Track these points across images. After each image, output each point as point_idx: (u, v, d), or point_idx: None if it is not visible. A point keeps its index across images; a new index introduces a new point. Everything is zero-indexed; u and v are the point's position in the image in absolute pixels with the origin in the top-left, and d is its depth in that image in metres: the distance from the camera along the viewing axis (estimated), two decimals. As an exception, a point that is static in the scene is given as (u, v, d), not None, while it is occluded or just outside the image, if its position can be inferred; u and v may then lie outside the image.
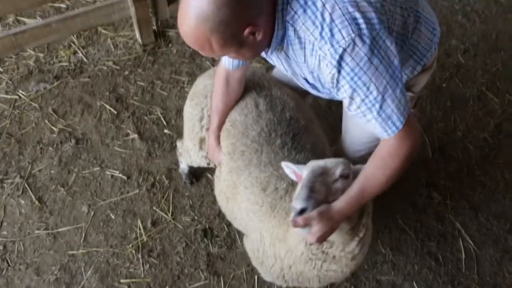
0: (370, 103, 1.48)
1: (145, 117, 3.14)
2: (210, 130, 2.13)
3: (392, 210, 2.90)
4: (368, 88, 1.44)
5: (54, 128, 3.07)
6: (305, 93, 2.02)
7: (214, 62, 3.42)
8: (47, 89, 3.23)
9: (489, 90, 3.54)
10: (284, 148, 1.95)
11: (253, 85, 2.13)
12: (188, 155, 2.41)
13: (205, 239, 2.72)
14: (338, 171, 1.62)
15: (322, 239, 1.60)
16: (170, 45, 3.51)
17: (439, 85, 3.48)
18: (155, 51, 3.47)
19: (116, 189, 2.87)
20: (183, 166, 2.79)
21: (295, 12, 1.43)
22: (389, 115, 1.49)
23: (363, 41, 1.38)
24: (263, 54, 1.69)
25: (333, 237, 1.67)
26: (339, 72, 1.43)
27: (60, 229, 2.73)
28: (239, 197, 2.01)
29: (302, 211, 1.52)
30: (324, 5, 1.39)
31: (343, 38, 1.38)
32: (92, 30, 3.51)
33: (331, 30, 1.39)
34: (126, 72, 3.34)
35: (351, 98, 1.49)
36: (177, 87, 3.30)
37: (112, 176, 2.91)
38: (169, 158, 2.99)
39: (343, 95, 1.50)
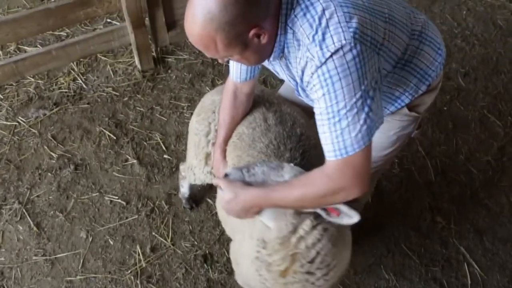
0: (331, 113, 1.46)
1: (145, 143, 3.23)
2: (216, 143, 2.15)
3: (395, 235, 2.95)
4: (336, 97, 1.44)
5: (53, 154, 3.15)
6: (312, 112, 2.07)
7: (214, 87, 3.53)
8: (46, 116, 3.33)
9: (491, 113, 3.63)
10: (292, 163, 1.87)
11: (262, 101, 2.16)
12: (192, 172, 2.42)
13: (205, 265, 2.76)
14: (287, 176, 1.65)
15: (227, 207, 1.71)
16: (169, 71, 3.63)
17: (440, 108, 3.57)
18: (155, 77, 3.59)
19: (115, 214, 2.93)
20: (184, 191, 2.86)
21: (295, 16, 1.49)
22: (343, 135, 1.46)
23: (351, 50, 1.42)
24: (265, 62, 1.74)
25: (268, 237, 1.70)
26: (316, 71, 1.46)
27: (58, 255, 2.78)
28: None
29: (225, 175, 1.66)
30: (324, 10, 1.45)
31: (333, 43, 1.42)
32: (92, 57, 3.64)
33: (323, 34, 1.44)
34: (126, 98, 3.45)
35: (318, 100, 1.50)
36: (176, 113, 3.40)
37: (111, 201, 2.97)
38: (168, 183, 3.06)
39: (313, 96, 1.52)
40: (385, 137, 2.01)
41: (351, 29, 1.43)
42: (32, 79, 3.51)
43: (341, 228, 1.72)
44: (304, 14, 1.48)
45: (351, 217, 1.53)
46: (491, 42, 4.13)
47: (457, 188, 3.20)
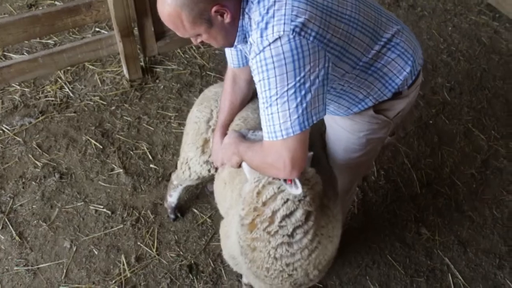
0: (264, 99, 1.57)
1: (131, 152, 3.26)
2: (216, 127, 2.23)
3: (380, 246, 3.01)
4: (269, 84, 1.54)
5: (37, 163, 3.16)
6: None
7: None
8: (32, 124, 3.35)
9: (475, 127, 3.74)
10: None
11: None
12: (188, 167, 2.45)
13: (190, 275, 2.78)
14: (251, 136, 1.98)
15: (222, 151, 2.02)
16: (157, 81, 3.68)
17: (426, 122, 3.67)
18: (142, 86, 3.63)
19: (99, 224, 2.94)
20: (172, 200, 2.89)
21: (252, 2, 1.60)
22: (273, 120, 1.57)
23: (289, 42, 1.49)
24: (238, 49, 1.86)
25: (243, 191, 1.82)
26: (255, 57, 1.56)
27: (40, 265, 2.77)
28: (237, 180, 2.09)
29: None
30: (275, 2, 1.55)
31: (272, 33, 1.51)
32: (80, 65, 3.68)
33: (266, 24, 1.53)
34: (113, 107, 3.48)
35: (256, 85, 1.61)
36: (163, 123, 3.44)
37: (96, 211, 2.99)
38: (154, 193, 3.08)
39: (255, 80, 1.62)
40: (354, 137, 2.06)
41: (293, 23, 1.50)
42: (18, 87, 3.53)
43: (329, 211, 1.85)
44: (258, 2, 1.58)
45: (297, 188, 1.64)
46: (476, 58, 4.26)
47: (442, 200, 3.28)
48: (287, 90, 1.53)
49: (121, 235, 2.91)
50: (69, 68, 3.65)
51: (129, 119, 3.44)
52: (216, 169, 2.34)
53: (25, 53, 3.72)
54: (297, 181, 1.64)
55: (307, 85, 1.54)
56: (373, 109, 1.96)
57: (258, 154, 1.71)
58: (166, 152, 3.28)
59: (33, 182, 3.08)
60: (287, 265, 1.79)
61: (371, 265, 2.93)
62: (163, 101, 3.57)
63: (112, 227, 2.93)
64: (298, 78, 1.52)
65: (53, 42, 3.84)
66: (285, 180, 1.68)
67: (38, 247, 2.84)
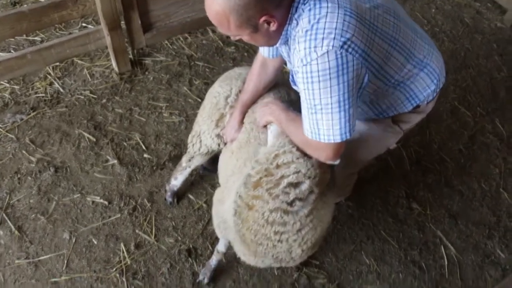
0: (309, 105, 1.69)
1: (124, 143, 3.34)
2: (237, 105, 2.31)
3: (373, 222, 3.13)
4: (313, 94, 1.65)
5: (32, 158, 3.23)
6: None
7: (192, 87, 3.68)
8: (23, 120, 3.41)
9: (461, 104, 3.88)
10: None
11: (285, 82, 2.35)
12: (199, 140, 2.57)
13: (190, 259, 2.87)
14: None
15: (262, 106, 2.10)
16: (146, 72, 3.76)
17: (413, 101, 3.79)
18: (132, 79, 3.71)
19: (97, 214, 3.02)
20: (175, 183, 2.99)
21: (303, 10, 1.66)
22: (318, 125, 1.71)
23: (336, 58, 1.57)
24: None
25: (260, 153, 1.91)
26: (302, 67, 1.64)
27: (41, 258, 2.85)
28: (244, 150, 2.21)
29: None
30: (327, 14, 1.61)
31: (322, 46, 1.58)
32: (68, 61, 3.75)
33: (316, 34, 1.59)
34: (104, 100, 3.56)
35: (301, 90, 1.72)
36: (155, 113, 3.52)
37: (93, 202, 3.07)
38: (149, 181, 3.17)
39: (299, 85, 1.72)
40: (363, 140, 2.19)
41: (343, 38, 1.58)
42: (7, 84, 3.59)
43: (325, 198, 1.93)
44: (309, 10, 1.64)
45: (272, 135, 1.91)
46: (459, 38, 4.40)
47: (432, 176, 3.41)
48: (331, 103, 1.64)
49: (119, 224, 3.00)
50: (57, 63, 3.71)
51: (120, 111, 3.52)
52: (225, 143, 2.45)
53: (12, 51, 3.77)
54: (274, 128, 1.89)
55: (350, 100, 1.65)
56: (391, 119, 2.10)
57: (300, 135, 1.81)
58: (159, 142, 3.37)
59: (29, 177, 3.15)
60: (276, 233, 1.86)
61: (365, 241, 3.05)
62: (153, 92, 3.65)
63: (109, 217, 3.02)
64: (341, 93, 1.62)
65: (39, 39, 3.90)
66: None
67: (38, 239, 2.92)
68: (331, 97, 1.63)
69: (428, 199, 3.29)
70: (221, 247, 2.67)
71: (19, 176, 3.16)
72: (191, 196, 3.12)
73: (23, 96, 3.56)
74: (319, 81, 1.61)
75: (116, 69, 3.69)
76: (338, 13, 1.60)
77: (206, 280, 2.79)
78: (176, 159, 3.27)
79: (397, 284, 2.90)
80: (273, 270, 2.88)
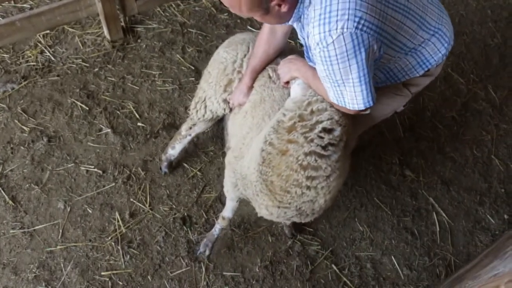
0: (331, 80, 1.71)
1: (118, 112, 3.23)
2: (247, 70, 2.26)
3: (367, 189, 3.08)
4: (334, 73, 1.67)
5: (24, 128, 3.12)
6: None
7: (185, 55, 3.55)
8: (15, 90, 3.28)
9: (455, 71, 3.77)
10: None
11: (293, 49, 2.43)
12: (204, 105, 2.52)
13: (184, 227, 2.82)
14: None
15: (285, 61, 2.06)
16: (139, 40, 3.62)
17: (407, 69, 3.69)
18: (124, 47, 3.57)
19: (91, 183, 2.94)
20: (173, 153, 2.91)
21: None
22: (343, 95, 1.75)
23: (351, 39, 1.57)
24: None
25: (290, 100, 1.96)
26: (318, 50, 1.64)
27: (36, 227, 2.78)
28: (260, 108, 2.20)
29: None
30: None
31: (336, 28, 1.56)
32: (59, 29, 3.58)
33: (330, 17, 1.56)
34: (96, 69, 3.42)
35: (319, 69, 1.74)
36: (148, 81, 3.40)
37: (87, 171, 2.98)
38: (143, 150, 3.08)
39: (316, 62, 1.74)
40: (378, 104, 2.10)
41: (357, 18, 1.56)
42: (-3, 53, 3.45)
43: (344, 157, 1.98)
44: None
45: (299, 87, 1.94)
46: (454, 4, 4.25)
47: (425, 143, 3.34)
48: (351, 79, 1.67)
49: (114, 193, 2.92)
50: (48, 31, 3.54)
51: (113, 79, 3.38)
52: (231, 109, 2.41)
53: (0, 18, 3.62)
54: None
55: (369, 73, 1.68)
56: (402, 83, 2.08)
57: (324, 94, 1.84)
58: (153, 110, 3.26)
59: (22, 147, 3.05)
60: (307, 178, 1.88)
61: (359, 207, 3.00)
62: (146, 60, 3.51)
63: (104, 186, 2.94)
64: (360, 69, 1.65)
65: (28, 6, 3.72)
66: None
67: (32, 209, 2.84)
68: (351, 73, 1.66)
69: (421, 165, 3.23)
70: (228, 212, 2.59)
71: (11, 146, 3.05)
72: (185, 164, 3.04)
73: (14, 65, 3.41)
74: (338, 63, 1.63)
75: (108, 37, 3.54)
76: None
77: (207, 252, 2.72)
78: (169, 127, 3.17)
79: (390, 250, 2.87)
80: (267, 237, 2.84)
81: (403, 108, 2.26)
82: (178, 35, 3.68)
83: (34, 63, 3.42)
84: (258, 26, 3.80)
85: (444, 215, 3.03)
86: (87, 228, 2.80)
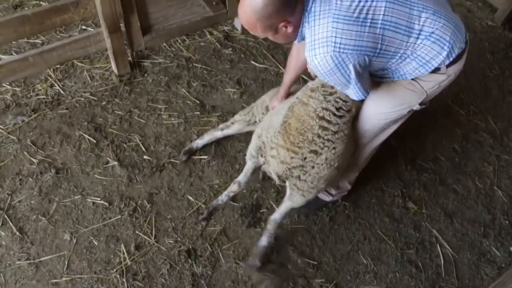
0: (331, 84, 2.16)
1: (124, 145, 3.21)
2: (282, 84, 2.77)
3: (370, 222, 3.01)
4: (329, 82, 2.10)
5: (33, 160, 3.10)
6: None
7: (190, 89, 3.55)
8: (25, 122, 3.28)
9: (454, 103, 3.75)
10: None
11: None
12: (255, 107, 3.04)
13: (189, 260, 2.75)
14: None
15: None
16: (145, 75, 3.62)
17: (408, 101, 3.66)
18: (131, 81, 3.57)
19: (98, 215, 2.90)
20: (201, 142, 3.20)
21: (308, 19, 1.98)
22: (345, 92, 2.18)
23: (332, 59, 1.94)
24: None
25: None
26: (314, 69, 2.03)
27: (42, 258, 2.73)
28: (286, 102, 2.64)
29: None
30: (320, 25, 1.94)
31: (320, 54, 1.95)
32: (69, 63, 3.61)
33: (315, 45, 1.97)
34: (104, 103, 3.42)
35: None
36: (154, 115, 3.39)
37: (93, 203, 2.94)
38: (149, 183, 3.05)
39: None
40: (390, 96, 2.34)
41: (335, 43, 1.91)
42: (9, 87, 3.44)
43: (351, 132, 2.46)
44: (308, 22, 1.99)
45: None
46: (452, 38, 4.26)
47: (427, 175, 3.29)
48: (343, 84, 2.08)
49: (120, 225, 2.87)
50: (58, 66, 3.56)
51: (120, 113, 3.38)
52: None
53: (13, 53, 3.63)
54: None
55: (357, 79, 2.02)
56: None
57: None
58: (159, 143, 3.24)
59: (30, 179, 3.02)
60: (319, 127, 2.30)
61: (362, 240, 2.93)
62: (153, 94, 3.51)
63: (110, 218, 2.89)
64: (348, 78, 2.02)
65: (40, 41, 3.75)
66: None
67: (39, 240, 2.79)
68: (341, 82, 2.06)
69: (423, 198, 3.17)
70: (242, 176, 2.70)
71: (20, 177, 3.03)
72: (190, 197, 3.00)
73: (25, 98, 3.42)
74: (328, 76, 2.02)
75: (115, 71, 3.55)
76: (327, 23, 1.92)
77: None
78: (175, 160, 3.15)
79: (394, 284, 2.78)
80: (272, 266, 2.77)
81: (419, 107, 2.34)
82: (184, 69, 3.68)
83: (44, 97, 3.43)
84: (260, 61, 3.83)
85: (448, 247, 2.95)
86: (93, 260, 2.74)
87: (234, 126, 3.10)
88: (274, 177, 2.54)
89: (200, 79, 3.64)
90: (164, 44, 3.83)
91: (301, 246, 2.86)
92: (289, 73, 2.68)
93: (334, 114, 2.31)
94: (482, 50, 4.26)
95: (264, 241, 2.70)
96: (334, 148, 2.34)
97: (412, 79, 2.21)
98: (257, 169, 2.70)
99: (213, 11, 3.78)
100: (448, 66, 2.14)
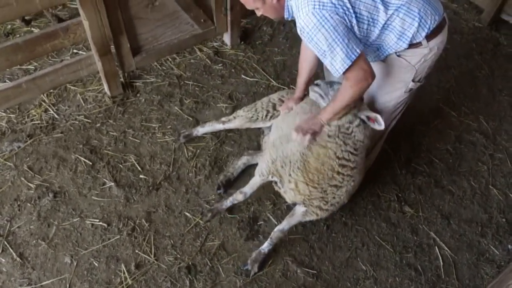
0: (323, 53, 2.19)
1: (120, 165, 3.26)
2: (297, 87, 2.91)
3: (367, 227, 3.05)
4: (318, 45, 2.17)
5: (30, 185, 3.14)
6: None
7: (183, 106, 3.60)
8: (21, 148, 3.33)
9: (446, 104, 3.80)
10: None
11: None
12: (259, 103, 3.13)
13: (190, 276, 2.78)
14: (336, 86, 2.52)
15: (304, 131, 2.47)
16: (138, 95, 3.68)
17: (399, 105, 3.71)
18: (124, 101, 3.63)
19: (97, 237, 2.93)
20: (199, 129, 3.38)
21: None
22: (339, 58, 2.16)
23: (315, 16, 2.12)
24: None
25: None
26: (304, 32, 2.19)
27: (43, 283, 2.75)
28: (307, 111, 2.74)
29: (317, 85, 2.59)
30: None
31: (303, 13, 2.15)
32: (62, 87, 3.67)
33: (298, 8, 2.19)
34: (98, 124, 3.48)
35: (313, 48, 2.22)
36: (148, 134, 3.44)
37: (92, 225, 2.98)
38: (147, 202, 3.09)
39: (310, 47, 2.26)
40: (386, 77, 2.54)
41: (313, 2, 2.12)
42: (4, 114, 3.50)
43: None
44: None
45: (380, 125, 2.37)
46: (440, 40, 4.32)
47: (422, 178, 3.33)
48: (329, 43, 2.14)
49: (119, 245, 2.91)
50: (51, 91, 3.63)
51: (115, 134, 3.43)
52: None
53: (7, 81, 3.70)
54: (379, 119, 2.36)
55: (342, 34, 2.13)
56: (396, 54, 2.42)
57: (346, 92, 2.28)
58: (154, 162, 3.28)
59: (28, 204, 3.07)
60: (339, 165, 2.43)
61: (360, 247, 2.96)
62: (146, 113, 3.57)
63: (109, 239, 2.93)
64: (332, 34, 2.12)
65: (33, 67, 3.82)
66: (368, 120, 2.43)
67: (40, 265, 2.83)
68: (328, 43, 2.14)
69: (419, 201, 3.20)
70: (248, 187, 2.87)
71: (18, 203, 3.07)
72: (187, 214, 3.03)
73: (20, 124, 3.47)
74: (316, 35, 2.15)
75: (108, 93, 3.61)
76: None
77: (208, 218, 2.97)
78: (171, 178, 3.19)
79: (395, 288, 2.81)
80: (271, 279, 2.79)
81: (414, 84, 2.54)
82: (176, 87, 3.75)
83: (39, 122, 3.48)
84: (251, 74, 3.90)
85: (446, 248, 2.98)
86: (94, 281, 2.77)
87: (236, 121, 3.17)
88: (289, 201, 2.74)
89: (192, 96, 3.70)
90: (155, 63, 3.89)
91: (299, 256, 2.90)
92: (302, 76, 2.84)
93: (353, 154, 2.45)
94: (470, 51, 4.32)
95: (265, 248, 2.79)
96: (353, 180, 2.53)
97: (399, 56, 2.41)
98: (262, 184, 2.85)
99: (201, 28, 3.85)
100: (428, 39, 2.35)
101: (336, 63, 2.18)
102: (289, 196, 2.66)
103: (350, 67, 2.17)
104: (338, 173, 2.45)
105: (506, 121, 3.77)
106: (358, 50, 2.16)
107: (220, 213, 3.00)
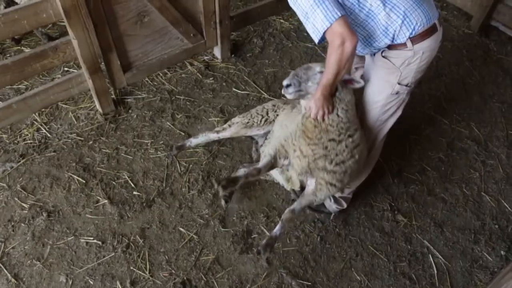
0: (305, 16, 2.27)
1: (113, 182, 3.34)
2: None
3: (361, 238, 3.13)
4: (301, 5, 2.26)
5: (24, 205, 3.22)
6: None
7: (174, 121, 3.70)
8: (14, 168, 3.40)
9: (437, 112, 3.90)
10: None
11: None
12: (254, 110, 3.26)
13: (185, 291, 2.86)
14: (317, 68, 2.50)
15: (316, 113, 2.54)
16: (130, 111, 3.77)
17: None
18: (116, 118, 3.72)
19: (92, 255, 3.00)
20: (195, 141, 3.39)
21: None
22: (319, 19, 2.21)
23: None
24: None
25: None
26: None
27: (39, 303, 2.83)
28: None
29: (288, 86, 2.53)
30: None
31: None
32: (53, 106, 3.75)
33: None
34: (90, 142, 3.56)
35: (298, 13, 2.32)
36: (141, 150, 3.53)
37: (87, 243, 3.05)
38: (140, 218, 3.16)
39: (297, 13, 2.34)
40: (374, 78, 2.64)
41: None
42: (-4, 135, 3.59)
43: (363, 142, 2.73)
44: None
45: (359, 82, 2.49)
46: (430, 48, 4.43)
47: (414, 187, 3.42)
48: (312, 6, 2.21)
49: (114, 263, 2.98)
50: (43, 109, 3.72)
51: (107, 151, 3.52)
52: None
53: (-2, 101, 3.79)
54: (356, 78, 2.49)
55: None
56: (381, 54, 2.52)
57: (331, 57, 2.27)
58: (147, 178, 3.37)
59: (22, 224, 3.14)
60: (331, 125, 2.51)
61: (354, 257, 3.04)
62: (138, 129, 3.66)
63: (104, 256, 3.00)
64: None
65: (24, 86, 3.91)
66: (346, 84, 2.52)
67: (35, 285, 2.89)
68: (308, 1, 2.20)
69: (412, 209, 3.29)
70: (262, 165, 2.85)
71: (12, 223, 3.14)
72: (181, 229, 3.11)
73: (12, 144, 3.55)
74: None
75: (100, 110, 3.70)
76: None
77: (224, 192, 2.92)
78: (164, 194, 3.27)
79: (389, 297, 2.89)
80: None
81: (402, 88, 2.58)
82: (167, 102, 3.84)
83: (31, 141, 3.56)
84: (242, 87, 4.00)
85: (440, 256, 3.06)
86: (89, 300, 2.84)
87: (231, 129, 3.25)
88: (296, 182, 2.84)
89: (184, 110, 3.79)
90: (146, 79, 3.99)
91: (294, 268, 2.97)
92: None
93: (343, 109, 2.55)
94: (461, 58, 4.43)
95: (277, 231, 2.77)
96: (350, 136, 2.58)
97: (384, 57, 2.51)
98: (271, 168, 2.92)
99: (191, 43, 3.95)
100: (414, 42, 2.40)
101: (317, 23, 2.24)
102: (296, 166, 2.73)
103: (330, 29, 2.21)
104: (331, 125, 2.52)
105: (497, 127, 3.87)
106: (338, 13, 2.19)
107: (236, 183, 2.88)
